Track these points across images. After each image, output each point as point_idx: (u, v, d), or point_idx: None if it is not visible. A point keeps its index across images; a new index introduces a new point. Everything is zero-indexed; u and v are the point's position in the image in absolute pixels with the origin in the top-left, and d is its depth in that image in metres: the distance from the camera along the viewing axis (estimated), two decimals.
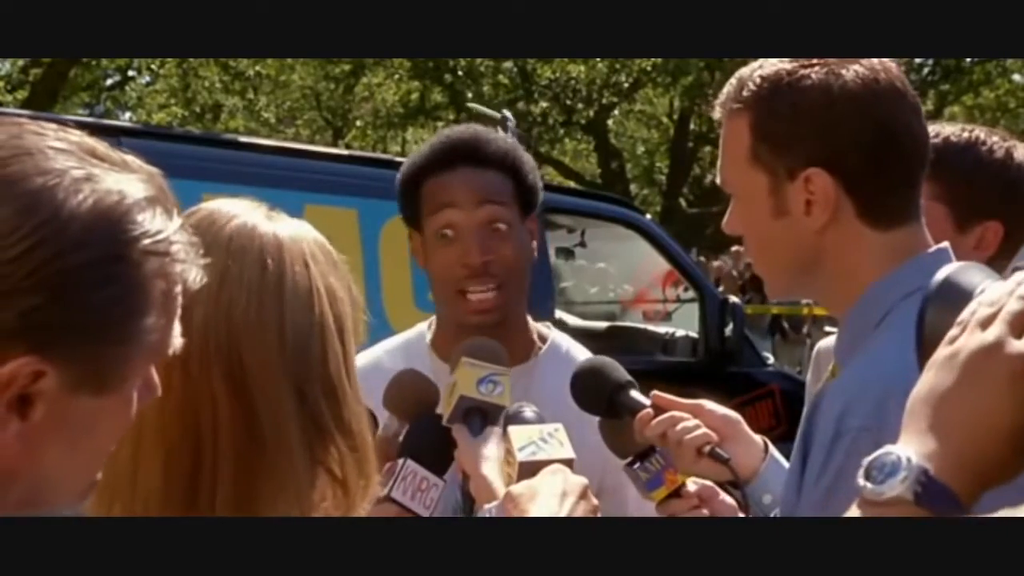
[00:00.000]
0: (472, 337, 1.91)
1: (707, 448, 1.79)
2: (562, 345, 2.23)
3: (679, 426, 1.81)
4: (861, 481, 0.98)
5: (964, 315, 1.01)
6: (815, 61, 1.59)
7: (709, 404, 1.87)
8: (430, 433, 1.78)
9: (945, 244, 1.64)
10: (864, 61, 1.60)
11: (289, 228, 1.35)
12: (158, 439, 1.27)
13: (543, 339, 2.21)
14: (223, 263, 1.27)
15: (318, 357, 1.30)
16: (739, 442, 1.84)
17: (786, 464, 1.77)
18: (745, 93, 1.62)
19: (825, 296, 1.68)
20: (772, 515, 1.78)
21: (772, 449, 1.87)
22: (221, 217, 1.34)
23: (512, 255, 2.09)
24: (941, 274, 1.09)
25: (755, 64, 1.64)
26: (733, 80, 1.65)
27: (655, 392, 1.89)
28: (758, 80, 1.61)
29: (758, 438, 1.87)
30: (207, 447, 1.26)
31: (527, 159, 2.16)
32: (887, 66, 1.61)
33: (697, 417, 1.83)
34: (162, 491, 1.27)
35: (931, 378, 1.00)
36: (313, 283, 1.32)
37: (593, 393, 1.93)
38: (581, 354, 2.18)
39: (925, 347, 1.06)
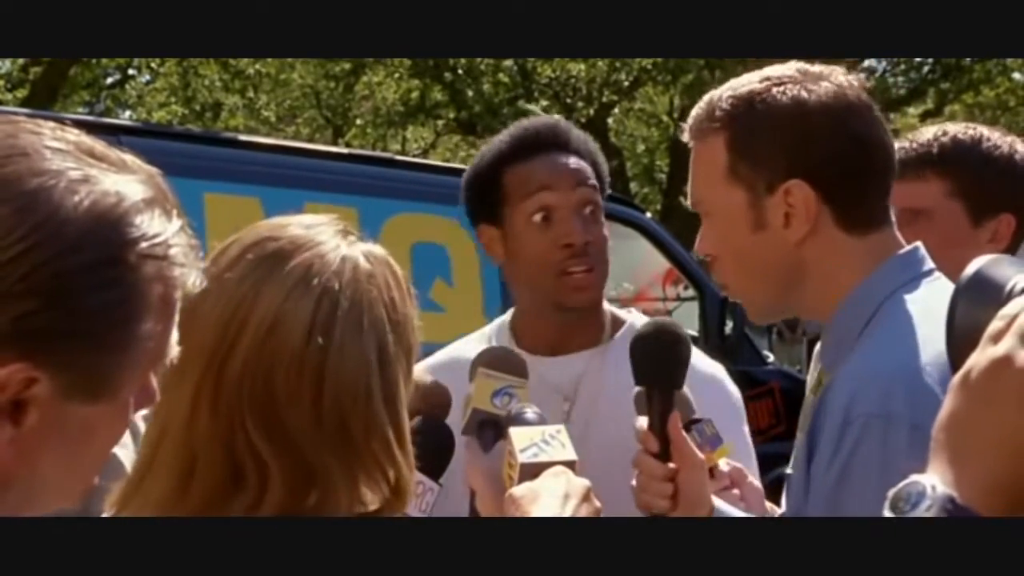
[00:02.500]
0: (491, 347, 1.90)
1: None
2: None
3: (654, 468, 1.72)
4: (887, 512, 0.95)
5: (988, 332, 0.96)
6: (784, 79, 1.64)
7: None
8: (427, 436, 1.77)
9: (918, 243, 1.68)
10: (832, 78, 1.65)
11: (362, 255, 1.27)
12: (178, 451, 1.23)
13: (620, 322, 2.18)
14: (278, 304, 1.22)
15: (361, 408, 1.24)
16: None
17: (733, 513, 1.74)
18: (719, 113, 1.65)
19: (809, 307, 1.70)
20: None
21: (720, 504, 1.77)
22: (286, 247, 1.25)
23: (603, 237, 2.12)
24: (972, 268, 1.04)
25: (723, 87, 1.68)
26: (702, 104, 1.69)
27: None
28: (731, 99, 1.65)
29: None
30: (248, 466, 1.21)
31: (599, 148, 2.22)
32: (852, 82, 1.66)
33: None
34: (173, 493, 1.24)
35: (949, 402, 0.96)
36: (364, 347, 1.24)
37: (658, 371, 1.82)
38: None
39: (956, 343, 1.01)
